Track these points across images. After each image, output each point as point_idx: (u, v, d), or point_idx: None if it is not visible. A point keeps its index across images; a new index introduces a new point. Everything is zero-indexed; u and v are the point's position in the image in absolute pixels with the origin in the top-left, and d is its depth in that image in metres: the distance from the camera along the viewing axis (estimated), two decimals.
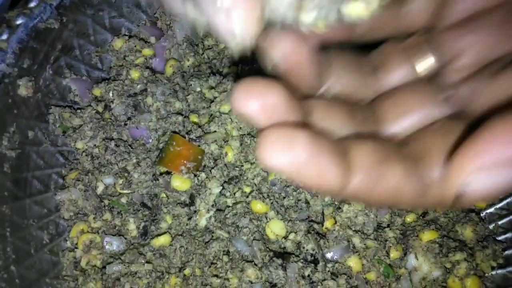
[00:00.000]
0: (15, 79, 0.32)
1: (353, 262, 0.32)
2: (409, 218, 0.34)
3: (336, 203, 0.34)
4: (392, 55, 0.22)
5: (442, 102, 0.21)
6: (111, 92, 0.35)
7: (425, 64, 0.21)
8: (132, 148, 0.35)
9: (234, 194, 0.34)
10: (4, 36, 0.32)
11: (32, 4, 0.32)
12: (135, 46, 0.37)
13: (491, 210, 0.35)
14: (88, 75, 0.36)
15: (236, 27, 0.16)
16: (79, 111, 0.35)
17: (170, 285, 0.32)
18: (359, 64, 0.22)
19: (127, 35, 0.38)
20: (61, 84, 0.35)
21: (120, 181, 0.34)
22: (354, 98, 0.21)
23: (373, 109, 0.21)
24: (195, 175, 0.33)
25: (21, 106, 0.32)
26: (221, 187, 0.33)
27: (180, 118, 0.34)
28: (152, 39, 0.37)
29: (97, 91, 0.36)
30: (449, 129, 0.19)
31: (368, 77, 0.22)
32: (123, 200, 0.34)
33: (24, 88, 0.32)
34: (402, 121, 0.21)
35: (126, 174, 0.34)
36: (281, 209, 0.33)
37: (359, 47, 0.22)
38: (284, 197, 0.34)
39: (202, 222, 0.33)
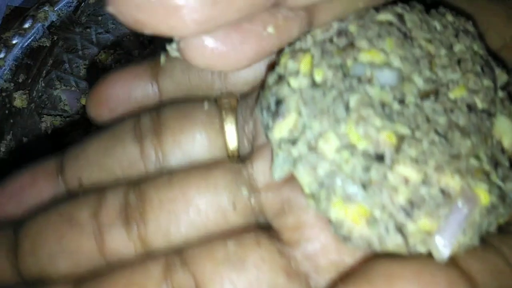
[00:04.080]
0: (11, 93, 0.36)
1: None
2: None
3: None
4: None
5: None
6: None
7: None
8: None
9: None
10: (2, 55, 0.36)
11: (26, 25, 0.36)
12: (120, 58, 0.41)
13: None
14: (77, 86, 0.41)
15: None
16: (68, 118, 0.40)
17: None
18: None
19: (112, 49, 0.41)
20: (52, 95, 0.39)
21: None
22: None
23: None
24: None
25: (17, 116, 0.37)
26: None
27: None
28: (135, 52, 0.41)
29: (84, 100, 0.40)
30: None
31: None
32: None
33: (19, 100, 0.37)
34: None
35: None
36: None
37: None
38: None
39: None
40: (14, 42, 0.36)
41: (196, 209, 0.19)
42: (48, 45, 0.38)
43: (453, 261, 0.16)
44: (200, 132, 0.21)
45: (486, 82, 0.18)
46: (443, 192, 0.16)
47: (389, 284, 0.16)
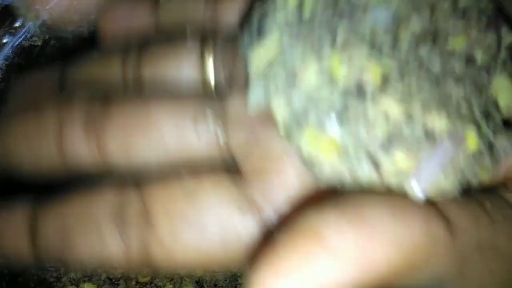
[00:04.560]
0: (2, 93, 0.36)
1: None
2: None
3: None
4: None
5: None
6: None
7: None
8: None
9: None
10: None
11: (17, 24, 0.37)
12: None
13: None
14: None
15: None
16: None
17: (143, 275, 0.36)
18: None
19: None
20: None
21: None
22: None
23: None
24: None
25: None
26: None
27: None
28: None
29: None
30: None
31: None
32: None
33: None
34: None
35: None
36: None
37: None
38: None
39: None
40: (4, 41, 0.37)
41: (159, 132, 0.20)
42: (39, 44, 0.37)
43: (431, 202, 0.16)
44: (180, 64, 0.22)
45: (490, 37, 0.18)
46: (427, 131, 0.16)
47: (359, 212, 0.14)
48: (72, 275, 0.37)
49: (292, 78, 0.17)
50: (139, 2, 0.25)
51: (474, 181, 0.17)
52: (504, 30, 0.19)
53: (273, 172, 0.18)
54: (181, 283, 0.37)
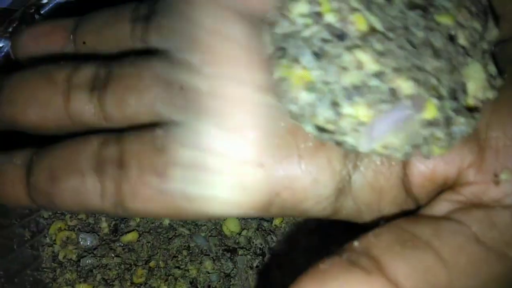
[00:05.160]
0: None
1: None
2: None
3: None
4: None
5: None
6: None
7: None
8: None
9: None
10: None
11: (11, 29, 0.37)
12: None
13: None
14: None
15: None
16: None
17: (137, 276, 0.37)
18: None
19: None
20: None
21: None
22: None
23: None
24: None
25: None
26: None
27: None
28: None
29: None
30: None
31: None
32: None
33: None
34: None
35: None
36: None
37: None
38: None
39: (166, 221, 0.38)
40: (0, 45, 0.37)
41: (145, 86, 0.22)
42: None
43: (379, 267, 0.16)
44: None
45: (476, 24, 0.18)
46: (391, 90, 0.16)
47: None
48: (68, 276, 0.37)
49: (280, 7, 0.18)
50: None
51: (424, 150, 0.17)
52: (491, 23, 0.19)
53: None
54: (175, 284, 0.37)
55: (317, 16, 0.17)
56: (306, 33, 0.17)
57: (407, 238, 0.17)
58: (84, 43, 0.26)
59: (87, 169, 0.21)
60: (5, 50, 0.37)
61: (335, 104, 0.17)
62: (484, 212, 0.17)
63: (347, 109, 0.17)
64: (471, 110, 0.18)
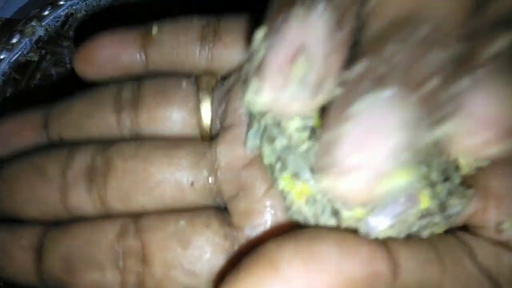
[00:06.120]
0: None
1: None
2: None
3: None
4: None
5: None
6: None
7: None
8: None
9: None
10: None
11: (14, 40, 0.37)
12: None
13: None
14: None
15: None
16: None
17: None
18: None
19: None
20: None
21: None
22: None
23: None
24: None
25: None
26: None
27: None
28: None
29: None
30: None
31: None
32: None
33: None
34: None
35: None
36: None
37: None
38: None
39: None
40: (1, 57, 0.37)
41: (155, 183, 0.21)
42: (36, 59, 0.38)
43: (381, 242, 0.17)
44: (176, 110, 0.23)
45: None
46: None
47: (311, 248, 0.16)
48: None
49: (277, 123, 0.19)
50: (127, 35, 0.24)
51: (424, 233, 0.18)
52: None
53: (256, 225, 0.20)
54: None
55: (311, 130, 0.18)
56: (303, 147, 0.18)
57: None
58: (61, 139, 0.25)
59: (106, 262, 0.21)
60: (7, 61, 0.37)
61: (336, 213, 0.18)
62: (489, 243, 0.17)
63: (346, 214, 0.17)
64: (466, 179, 0.18)
